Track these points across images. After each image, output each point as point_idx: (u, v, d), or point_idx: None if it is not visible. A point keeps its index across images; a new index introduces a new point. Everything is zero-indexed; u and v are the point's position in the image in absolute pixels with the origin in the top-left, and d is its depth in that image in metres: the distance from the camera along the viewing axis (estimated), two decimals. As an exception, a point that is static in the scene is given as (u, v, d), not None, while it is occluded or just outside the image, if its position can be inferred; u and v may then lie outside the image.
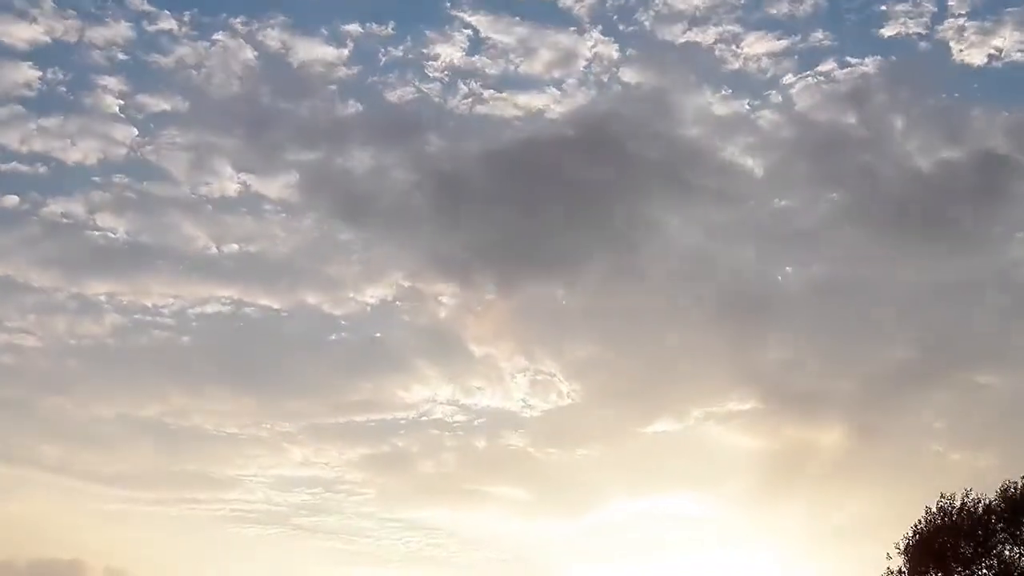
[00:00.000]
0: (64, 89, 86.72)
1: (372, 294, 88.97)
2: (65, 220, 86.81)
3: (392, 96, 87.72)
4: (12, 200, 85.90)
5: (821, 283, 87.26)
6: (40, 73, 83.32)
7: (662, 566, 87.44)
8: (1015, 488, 45.27)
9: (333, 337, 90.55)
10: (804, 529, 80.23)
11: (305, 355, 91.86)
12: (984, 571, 44.91)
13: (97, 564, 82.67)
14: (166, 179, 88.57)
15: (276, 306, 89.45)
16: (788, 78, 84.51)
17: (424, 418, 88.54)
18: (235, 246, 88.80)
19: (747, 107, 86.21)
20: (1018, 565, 44.43)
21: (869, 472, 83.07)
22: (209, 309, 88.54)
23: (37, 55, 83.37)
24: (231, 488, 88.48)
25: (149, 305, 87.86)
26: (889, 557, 46.54)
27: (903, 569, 46.08)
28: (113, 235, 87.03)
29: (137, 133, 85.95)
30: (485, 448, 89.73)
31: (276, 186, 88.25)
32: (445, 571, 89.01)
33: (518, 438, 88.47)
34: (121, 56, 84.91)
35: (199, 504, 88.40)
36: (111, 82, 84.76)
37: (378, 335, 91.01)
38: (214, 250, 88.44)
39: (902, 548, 46.29)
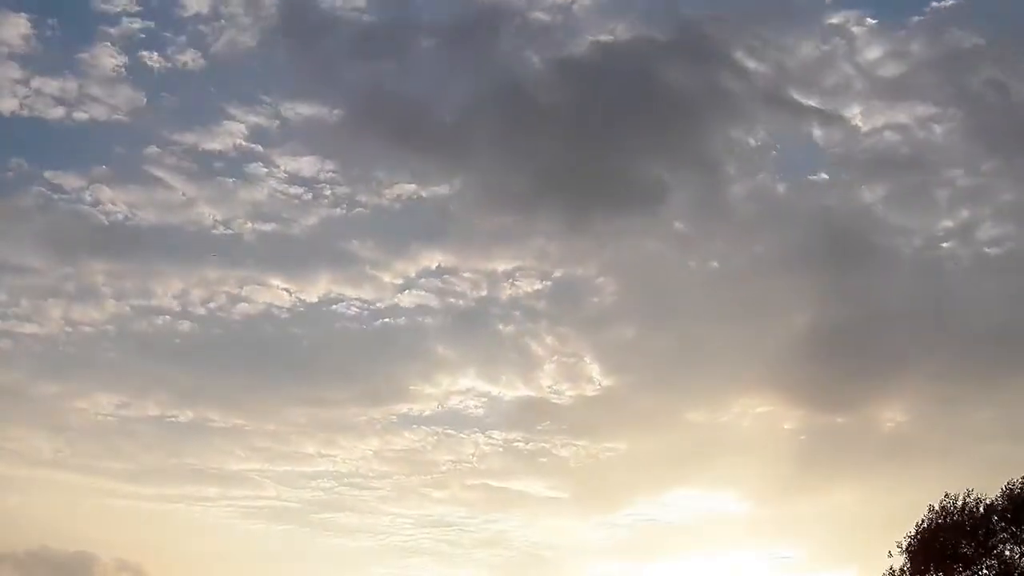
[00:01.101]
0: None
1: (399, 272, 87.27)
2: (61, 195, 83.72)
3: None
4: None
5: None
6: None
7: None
8: (1018, 487, 45.27)
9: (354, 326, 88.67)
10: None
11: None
12: (985, 571, 44.97)
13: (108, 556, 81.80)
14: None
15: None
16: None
17: (443, 408, 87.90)
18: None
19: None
20: (1019, 565, 44.38)
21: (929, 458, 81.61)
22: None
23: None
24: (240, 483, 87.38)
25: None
26: (890, 555, 46.80)
27: (904, 568, 46.22)
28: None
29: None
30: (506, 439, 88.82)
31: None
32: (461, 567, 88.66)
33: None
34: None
35: (208, 501, 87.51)
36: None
37: (397, 320, 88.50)
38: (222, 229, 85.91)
39: (904, 547, 46.46)
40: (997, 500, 45.35)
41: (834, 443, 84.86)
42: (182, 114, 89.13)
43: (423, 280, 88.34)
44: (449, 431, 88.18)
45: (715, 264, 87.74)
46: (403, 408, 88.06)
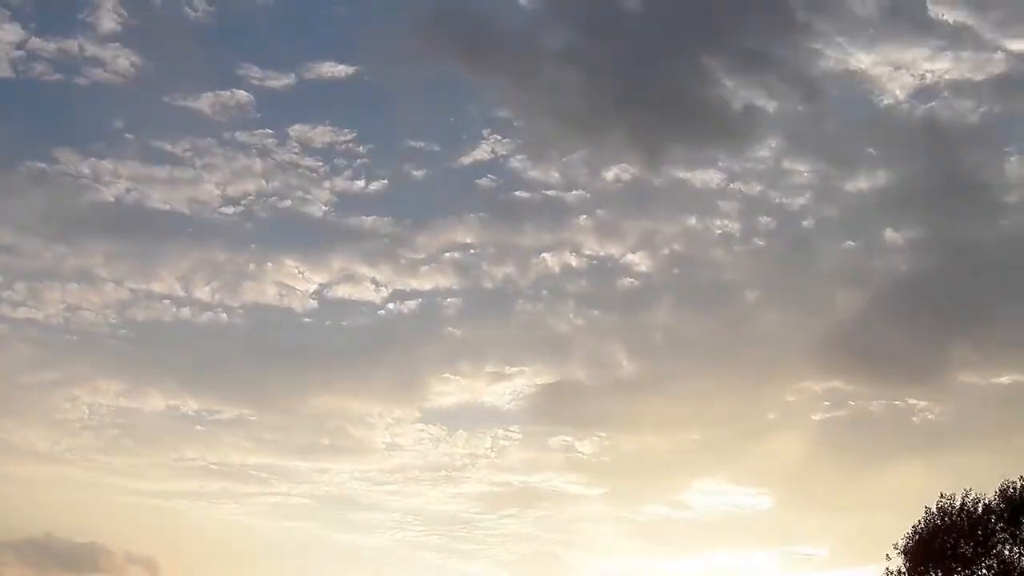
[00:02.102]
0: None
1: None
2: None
3: None
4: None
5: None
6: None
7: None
8: (1015, 488, 45.17)
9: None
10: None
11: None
12: (984, 571, 44.89)
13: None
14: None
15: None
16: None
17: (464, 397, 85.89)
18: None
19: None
20: (1018, 565, 44.22)
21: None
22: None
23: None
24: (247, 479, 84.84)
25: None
26: (888, 558, 46.83)
27: (903, 569, 46.24)
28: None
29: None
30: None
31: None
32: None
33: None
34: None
35: (220, 496, 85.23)
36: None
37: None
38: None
39: (902, 548, 46.47)
40: (995, 500, 45.30)
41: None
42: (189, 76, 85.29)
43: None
44: (469, 422, 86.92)
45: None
46: (421, 398, 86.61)
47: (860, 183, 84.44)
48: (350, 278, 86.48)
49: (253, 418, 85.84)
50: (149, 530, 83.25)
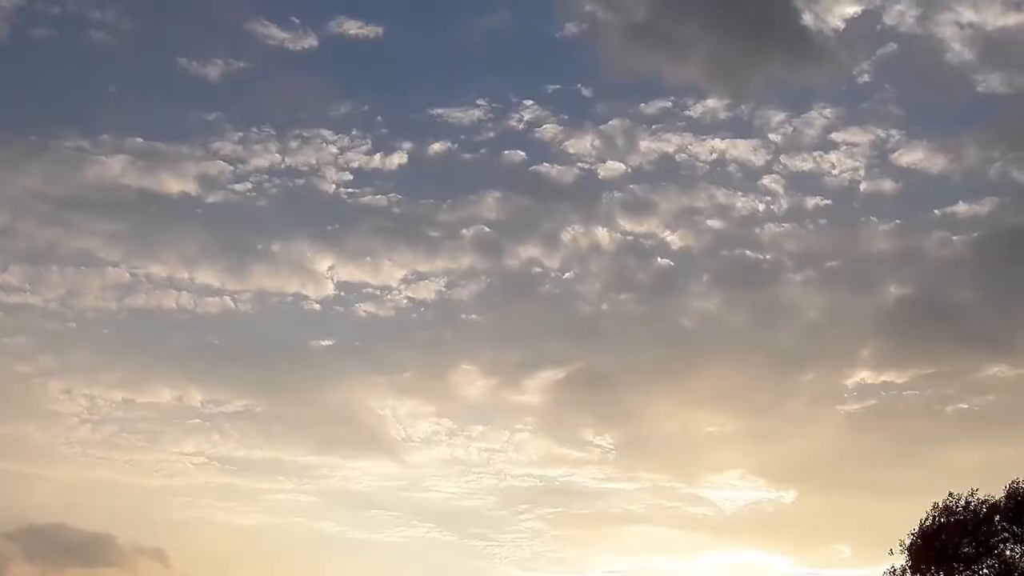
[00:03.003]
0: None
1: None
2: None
3: None
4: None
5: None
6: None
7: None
8: (1021, 488, 45.25)
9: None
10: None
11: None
12: (985, 571, 44.99)
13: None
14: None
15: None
16: None
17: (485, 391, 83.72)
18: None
19: None
20: (1020, 565, 44.33)
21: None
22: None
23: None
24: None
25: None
26: (891, 553, 47.02)
27: (906, 567, 46.40)
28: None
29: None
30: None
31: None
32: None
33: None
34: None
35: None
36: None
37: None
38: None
39: (905, 546, 46.60)
40: (1000, 500, 45.38)
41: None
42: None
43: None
44: (487, 414, 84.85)
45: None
46: (439, 389, 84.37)
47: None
48: (365, 260, 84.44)
49: (260, 409, 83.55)
50: (155, 525, 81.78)
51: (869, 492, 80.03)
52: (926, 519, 46.27)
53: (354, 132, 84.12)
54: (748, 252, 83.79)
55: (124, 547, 77.23)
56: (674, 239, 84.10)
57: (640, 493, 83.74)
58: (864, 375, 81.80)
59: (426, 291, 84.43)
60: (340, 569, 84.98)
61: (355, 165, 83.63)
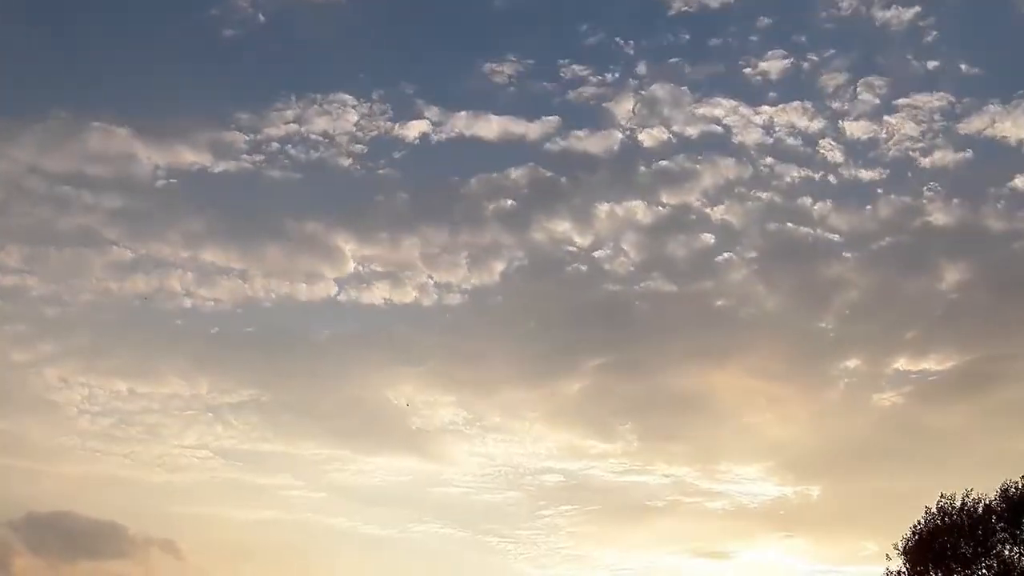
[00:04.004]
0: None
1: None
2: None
3: None
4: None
5: None
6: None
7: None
8: (1016, 488, 45.02)
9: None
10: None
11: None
12: (984, 571, 44.88)
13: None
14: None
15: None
16: None
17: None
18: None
19: None
20: (1018, 565, 44.15)
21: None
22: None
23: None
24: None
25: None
26: (888, 558, 46.95)
27: (902, 570, 46.36)
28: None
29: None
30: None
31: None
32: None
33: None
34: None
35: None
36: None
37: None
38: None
39: (901, 548, 46.56)
40: (995, 500, 45.18)
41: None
42: None
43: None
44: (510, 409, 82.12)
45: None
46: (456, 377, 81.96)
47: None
48: (382, 236, 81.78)
49: (267, 399, 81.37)
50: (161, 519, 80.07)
51: (902, 486, 77.27)
52: (921, 521, 46.26)
53: (375, 98, 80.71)
54: (794, 226, 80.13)
55: (135, 538, 75.90)
56: (716, 212, 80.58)
57: (660, 488, 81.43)
58: (907, 362, 79.46)
59: (449, 274, 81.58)
60: (352, 565, 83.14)
61: (374, 135, 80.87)
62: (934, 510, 46.15)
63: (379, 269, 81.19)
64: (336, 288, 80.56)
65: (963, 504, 45.62)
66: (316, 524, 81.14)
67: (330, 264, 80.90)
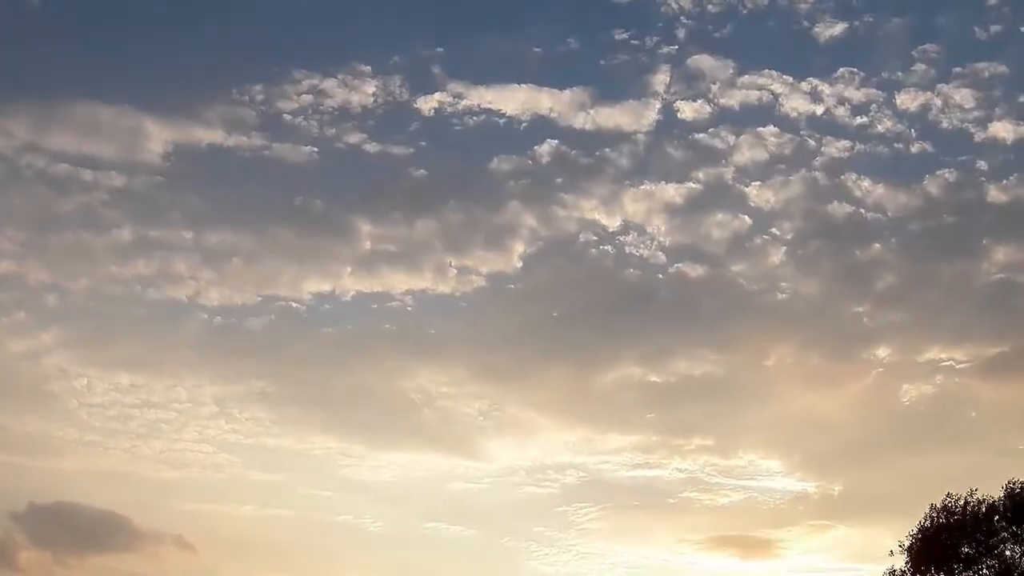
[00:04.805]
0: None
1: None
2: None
3: None
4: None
5: None
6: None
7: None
8: (1020, 488, 45.08)
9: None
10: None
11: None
12: (985, 571, 44.92)
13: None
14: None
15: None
16: None
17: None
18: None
19: None
20: (1020, 565, 44.26)
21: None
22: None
23: None
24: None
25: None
26: (892, 554, 47.07)
27: (905, 569, 46.47)
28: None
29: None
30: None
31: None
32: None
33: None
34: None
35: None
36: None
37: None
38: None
39: (905, 547, 46.63)
40: (999, 500, 45.20)
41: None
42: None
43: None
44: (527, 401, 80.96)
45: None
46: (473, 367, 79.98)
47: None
48: (403, 222, 78.75)
49: (272, 390, 79.19)
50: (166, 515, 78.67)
51: (927, 483, 76.38)
52: (925, 520, 46.32)
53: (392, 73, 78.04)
54: (837, 205, 77.63)
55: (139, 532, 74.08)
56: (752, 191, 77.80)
57: (674, 485, 79.43)
58: (941, 352, 76.53)
59: (467, 258, 78.99)
60: (361, 564, 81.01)
61: (382, 112, 78.24)
62: (938, 509, 46.22)
63: (393, 249, 78.77)
64: (349, 269, 78.30)
65: (967, 503, 45.70)
66: (326, 522, 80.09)
67: (344, 245, 78.87)
